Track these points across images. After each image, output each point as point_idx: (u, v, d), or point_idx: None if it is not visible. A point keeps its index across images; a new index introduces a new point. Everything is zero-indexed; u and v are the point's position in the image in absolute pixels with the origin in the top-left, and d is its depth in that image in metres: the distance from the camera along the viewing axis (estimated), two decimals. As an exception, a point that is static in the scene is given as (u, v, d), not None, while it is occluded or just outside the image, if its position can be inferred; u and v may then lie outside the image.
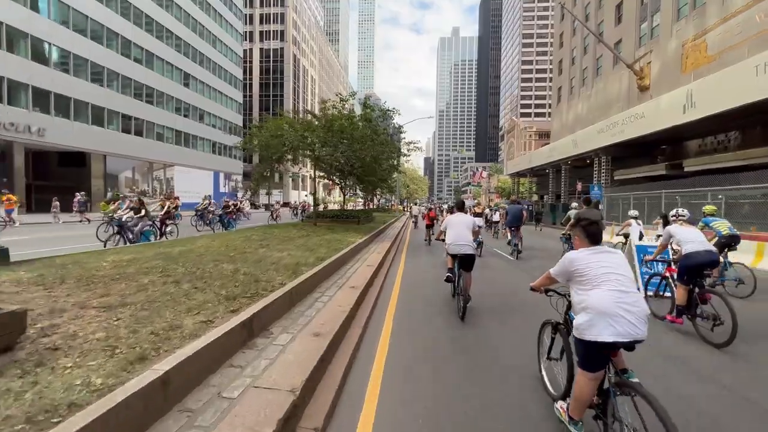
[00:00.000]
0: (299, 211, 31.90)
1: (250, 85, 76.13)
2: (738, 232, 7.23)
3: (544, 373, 3.27)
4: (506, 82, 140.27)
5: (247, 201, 28.37)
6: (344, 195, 21.60)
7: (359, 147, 13.86)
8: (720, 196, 14.96)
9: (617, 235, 11.43)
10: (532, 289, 3.04)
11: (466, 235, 5.47)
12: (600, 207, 24.92)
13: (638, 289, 6.40)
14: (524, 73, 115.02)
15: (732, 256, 7.53)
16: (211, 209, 15.26)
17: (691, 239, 4.71)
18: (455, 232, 5.52)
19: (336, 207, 30.92)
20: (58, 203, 18.44)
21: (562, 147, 33.23)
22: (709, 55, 22.65)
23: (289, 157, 14.55)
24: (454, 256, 5.59)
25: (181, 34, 43.56)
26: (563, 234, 11.54)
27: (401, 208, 69.41)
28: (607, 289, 2.26)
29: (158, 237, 11.29)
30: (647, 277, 6.50)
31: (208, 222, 14.79)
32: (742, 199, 14.65)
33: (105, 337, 2.73)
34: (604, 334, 2.17)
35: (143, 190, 38.70)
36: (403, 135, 17.48)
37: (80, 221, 18.02)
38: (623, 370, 2.40)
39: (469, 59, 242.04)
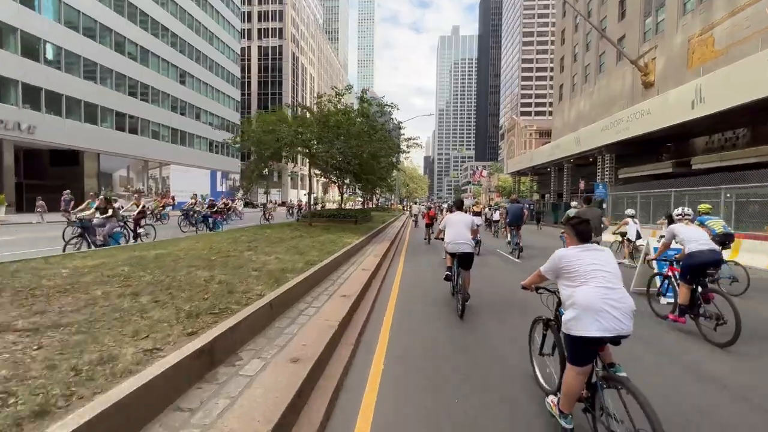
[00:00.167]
0: (295, 211, 31.25)
1: (249, 83, 75.41)
2: (732, 231, 7.27)
3: (536, 368, 3.35)
4: (506, 81, 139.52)
5: (240, 200, 27.59)
6: (342, 194, 20.97)
7: (356, 143, 13.20)
8: (728, 195, 14.50)
9: (614, 233, 11.20)
10: (524, 287, 3.09)
11: (464, 234, 5.53)
12: (604, 206, 24.39)
13: (663, 294, 5.87)
14: (524, 71, 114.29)
15: (746, 258, 7.58)
16: (197, 209, 14.36)
17: (694, 238, 4.66)
18: (454, 231, 5.58)
19: (335, 206, 30.26)
20: (43, 203, 17.79)
21: (565, 145, 32.60)
22: (716, 49, 22.05)
23: (284, 153, 13.87)
24: (453, 255, 5.65)
25: (177, 30, 42.82)
26: (563, 233, 11.02)
27: (401, 208, 68.77)
28: (594, 286, 2.33)
29: (129, 240, 10.29)
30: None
31: (193, 222, 13.92)
32: (753, 198, 14.14)
33: (5, 378, 2.10)
34: (590, 329, 2.24)
35: (138, 188, 38.08)
36: (402, 131, 16.77)
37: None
38: (610, 364, 2.46)
39: (469, 58, 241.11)
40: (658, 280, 6.10)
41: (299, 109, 16.77)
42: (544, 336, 3.17)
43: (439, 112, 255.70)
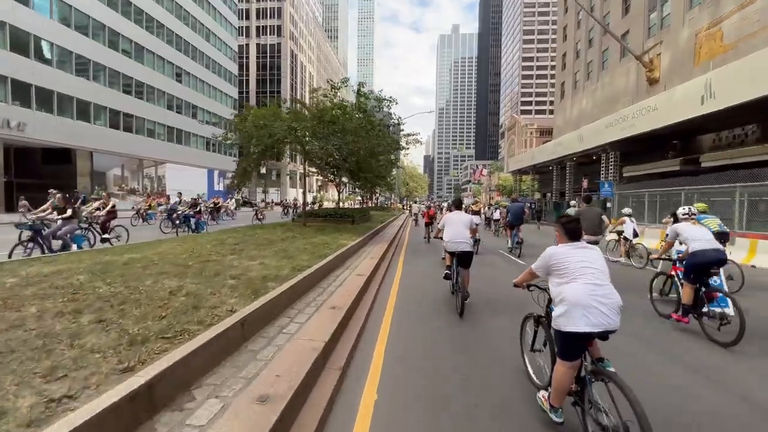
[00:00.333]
0: (291, 210, 30.55)
1: (247, 81, 74.66)
2: (728, 230, 7.41)
3: (527, 364, 3.40)
4: (506, 80, 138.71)
5: (231, 199, 26.85)
6: (339, 192, 20.30)
7: (352, 139, 12.51)
8: (737, 193, 14.10)
9: (610, 232, 10.93)
10: (515, 284, 3.13)
11: (463, 233, 5.54)
12: (608, 205, 23.76)
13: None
14: (525, 69, 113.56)
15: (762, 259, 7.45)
16: (180, 208, 13.32)
17: (698, 237, 4.63)
18: (453, 230, 5.58)
19: (333, 206, 29.51)
20: (26, 202, 17.10)
21: (567, 143, 31.96)
22: (725, 44, 21.42)
23: (276, 150, 13.17)
24: (452, 254, 5.66)
25: (172, 27, 42.09)
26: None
27: (401, 207, 68.06)
28: (583, 283, 2.38)
29: (96, 243, 9.26)
30: None
31: (176, 224, 12.98)
32: (766, 197, 13.61)
33: None
34: (579, 324, 2.29)
35: (133, 188, 37.42)
36: (401, 127, 16.06)
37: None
38: (599, 358, 2.48)
39: (469, 56, 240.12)
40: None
41: (295, 104, 16.02)
42: (535, 332, 3.21)
43: (438, 111, 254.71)
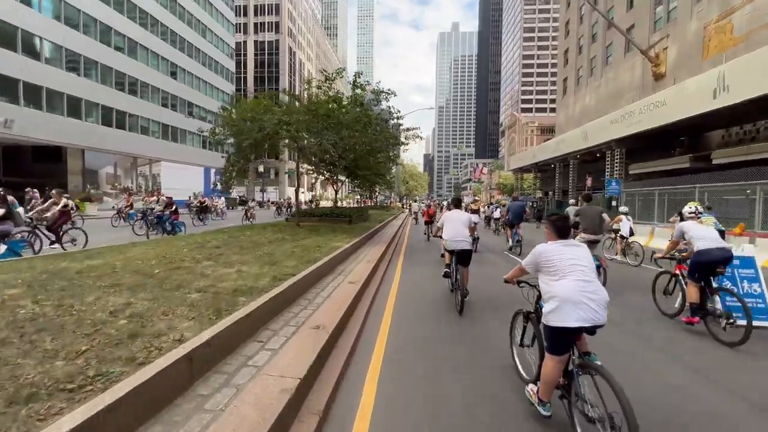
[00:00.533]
0: (285, 210, 29.71)
1: (245, 78, 73.78)
2: (723, 228, 7.58)
3: (516, 359, 3.45)
4: (507, 78, 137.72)
5: (223, 198, 26.00)
6: (336, 191, 19.52)
7: (348, 134, 11.71)
8: (748, 191, 13.43)
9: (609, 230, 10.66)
10: (506, 280, 3.23)
11: (462, 231, 5.58)
12: (614, 203, 23.02)
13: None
14: (525, 67, 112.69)
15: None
16: (155, 208, 11.97)
17: (703, 236, 4.60)
18: (452, 229, 5.62)
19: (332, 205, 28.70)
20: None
21: (571, 140, 31.19)
22: (735, 36, 20.68)
23: (266, 145, 12.38)
24: (451, 252, 5.71)
25: (167, 22, 41.21)
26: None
27: (400, 206, 67.20)
28: (573, 280, 2.45)
29: (42, 247, 8.09)
30: None
31: (150, 225, 11.65)
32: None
33: None
34: (568, 319, 2.36)
35: (126, 186, 36.61)
36: (401, 122, 15.24)
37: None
38: (586, 352, 2.54)
39: (469, 54, 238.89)
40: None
41: (290, 98, 15.18)
42: (525, 328, 3.27)
43: (438, 109, 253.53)
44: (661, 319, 5.19)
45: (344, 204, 44.23)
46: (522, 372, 3.30)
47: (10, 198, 14.69)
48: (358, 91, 13.24)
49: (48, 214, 8.46)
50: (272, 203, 43.02)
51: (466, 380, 3.30)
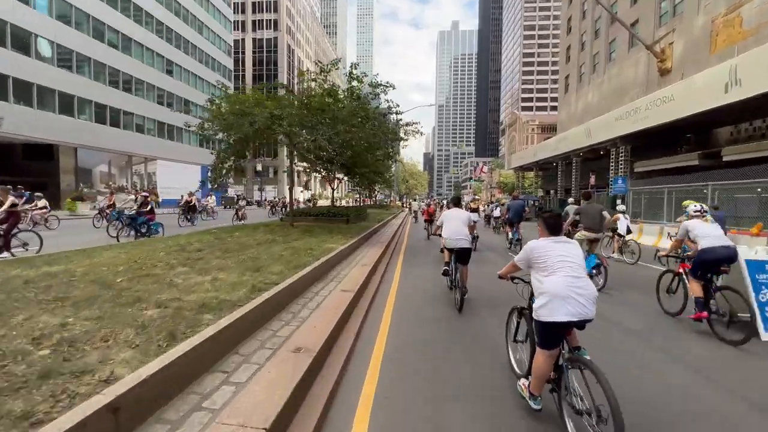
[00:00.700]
0: (279, 209, 29.01)
1: (243, 76, 72.96)
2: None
3: (510, 354, 3.50)
4: (507, 76, 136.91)
5: (212, 197, 25.28)
6: (332, 189, 18.88)
7: (344, 129, 11.06)
8: (759, 189, 13.04)
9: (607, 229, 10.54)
10: (500, 276, 3.22)
11: (462, 230, 5.58)
12: (618, 202, 22.39)
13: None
14: (525, 66, 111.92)
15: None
16: (127, 207, 10.80)
17: (708, 234, 4.59)
18: (451, 227, 5.62)
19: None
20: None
21: (573, 137, 30.54)
22: (745, 29, 20.06)
23: (257, 142, 11.73)
24: (450, 250, 5.71)
25: (162, 18, 40.47)
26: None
27: (400, 204, 66.50)
28: (562, 275, 2.47)
29: None
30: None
31: (124, 225, 10.56)
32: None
33: None
34: (558, 314, 2.39)
35: (121, 185, 35.93)
36: (400, 117, 14.57)
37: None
38: (576, 347, 2.56)
39: (469, 53, 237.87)
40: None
41: (287, 92, 14.52)
42: (518, 323, 3.34)
43: (438, 108, 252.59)
44: (661, 318, 5.18)
45: (343, 203, 43.61)
46: (515, 367, 3.35)
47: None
48: (355, 83, 12.58)
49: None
50: (267, 202, 42.26)
51: (466, 380, 3.28)
